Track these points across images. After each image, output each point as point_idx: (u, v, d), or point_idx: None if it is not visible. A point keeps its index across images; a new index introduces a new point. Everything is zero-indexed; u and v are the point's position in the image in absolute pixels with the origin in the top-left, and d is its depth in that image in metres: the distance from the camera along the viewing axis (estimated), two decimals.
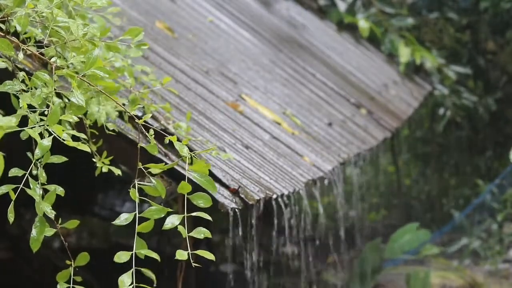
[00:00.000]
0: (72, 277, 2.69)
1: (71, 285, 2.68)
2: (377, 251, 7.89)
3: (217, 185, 3.68)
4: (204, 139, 4.04)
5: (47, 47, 2.82)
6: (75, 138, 2.62)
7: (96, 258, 2.86)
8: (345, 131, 6.22)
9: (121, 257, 2.54)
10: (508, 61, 10.34)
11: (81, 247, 7.77)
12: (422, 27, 9.97)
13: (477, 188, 9.79)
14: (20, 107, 2.58)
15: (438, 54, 9.48)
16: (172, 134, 3.72)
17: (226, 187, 3.71)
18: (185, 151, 2.63)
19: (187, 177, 2.62)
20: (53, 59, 2.75)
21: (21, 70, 2.87)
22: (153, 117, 3.76)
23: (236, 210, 3.61)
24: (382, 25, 9.10)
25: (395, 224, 9.35)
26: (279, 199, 4.14)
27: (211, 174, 3.68)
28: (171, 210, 2.60)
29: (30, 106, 2.60)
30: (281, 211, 4.26)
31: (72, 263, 2.72)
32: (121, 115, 3.51)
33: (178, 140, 3.67)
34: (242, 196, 3.70)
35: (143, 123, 2.82)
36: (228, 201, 3.61)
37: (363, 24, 8.88)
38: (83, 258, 2.72)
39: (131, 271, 2.55)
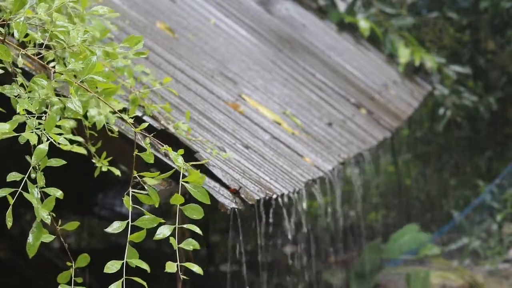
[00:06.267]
0: (73, 278, 2.68)
1: (72, 286, 2.67)
2: (377, 251, 7.90)
3: (217, 185, 3.68)
4: (204, 139, 4.05)
5: (47, 48, 2.81)
6: (73, 140, 2.60)
7: (96, 258, 2.85)
8: (345, 131, 6.22)
9: (112, 267, 2.49)
10: (508, 61, 10.34)
11: (80, 247, 7.77)
12: (422, 27, 9.97)
13: (477, 188, 9.79)
14: (18, 113, 2.56)
15: (438, 54, 9.48)
16: (172, 135, 3.73)
17: (226, 187, 3.71)
18: (179, 161, 2.62)
19: (180, 188, 2.60)
20: (51, 64, 2.74)
21: (21, 73, 2.85)
22: (153, 117, 3.76)
23: (236, 210, 3.61)
24: (382, 25, 9.10)
25: (395, 224, 9.36)
26: (279, 199, 4.14)
27: (211, 174, 3.68)
28: (163, 221, 2.58)
29: (28, 110, 2.58)
30: (281, 211, 4.26)
31: (73, 264, 2.70)
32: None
33: (178, 140, 3.69)
34: (242, 196, 3.70)
35: (143, 125, 2.80)
36: (228, 201, 3.60)
37: (364, 24, 8.88)
38: (84, 260, 2.70)
39: (120, 280, 2.51)
